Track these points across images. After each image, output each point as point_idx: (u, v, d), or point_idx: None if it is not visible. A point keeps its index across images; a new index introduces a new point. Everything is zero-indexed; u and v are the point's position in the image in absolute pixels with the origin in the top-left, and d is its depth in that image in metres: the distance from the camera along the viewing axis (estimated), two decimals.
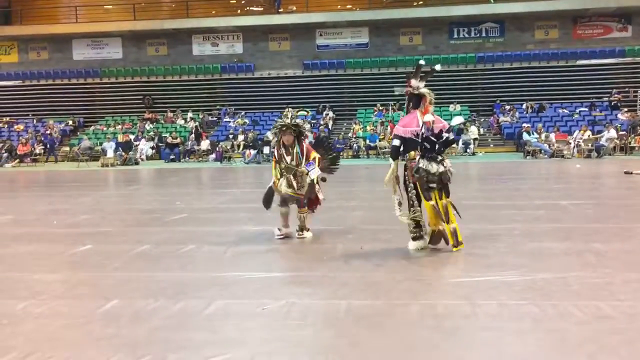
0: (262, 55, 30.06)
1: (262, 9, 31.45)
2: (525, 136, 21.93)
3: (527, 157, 21.02)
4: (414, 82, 5.76)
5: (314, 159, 6.44)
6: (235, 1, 32.57)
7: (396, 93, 6.61)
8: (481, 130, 25.58)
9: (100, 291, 4.73)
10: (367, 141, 23.77)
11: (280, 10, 30.31)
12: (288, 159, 6.41)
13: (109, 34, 30.48)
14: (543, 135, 21.92)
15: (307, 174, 6.37)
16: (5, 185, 16.53)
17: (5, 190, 15.09)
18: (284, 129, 6.41)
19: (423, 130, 5.57)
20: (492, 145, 24.81)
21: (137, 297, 4.45)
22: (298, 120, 6.56)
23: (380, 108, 26.42)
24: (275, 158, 6.57)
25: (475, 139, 23.93)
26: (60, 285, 4.99)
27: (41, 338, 3.71)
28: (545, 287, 4.46)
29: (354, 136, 24.57)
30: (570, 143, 21.46)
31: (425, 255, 5.66)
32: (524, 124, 23.31)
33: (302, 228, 6.58)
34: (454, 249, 5.61)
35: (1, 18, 32.72)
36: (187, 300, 4.31)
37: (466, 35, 29.30)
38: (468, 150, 22.73)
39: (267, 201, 6.66)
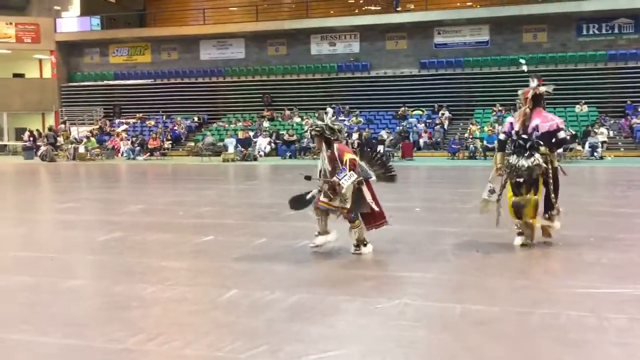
0: (379, 54, 29.99)
1: (380, 8, 31.38)
2: None
3: None
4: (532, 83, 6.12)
5: (346, 162, 5.42)
6: (353, 1, 32.75)
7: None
8: (611, 132, 23.90)
9: (221, 280, 4.96)
10: (485, 142, 22.99)
11: (398, 9, 30.10)
12: (326, 163, 5.62)
13: (233, 35, 31.76)
14: None
15: (339, 183, 5.41)
16: (137, 177, 17.78)
17: (137, 182, 16.24)
18: (310, 132, 5.76)
19: (516, 128, 5.98)
20: (622, 149, 23.11)
21: (254, 288, 4.61)
22: (319, 122, 5.66)
23: (500, 108, 25.48)
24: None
25: (603, 142, 22.39)
26: (185, 273, 5.29)
27: (167, 322, 3.95)
28: None
29: (471, 137, 23.89)
30: None
31: (548, 263, 5.40)
32: None
33: (357, 244, 5.69)
34: (520, 242, 5.87)
35: (137, 21, 35.29)
36: (301, 294, 4.40)
37: (596, 32, 27.47)
38: (595, 154, 21.32)
39: (297, 202, 5.91)
